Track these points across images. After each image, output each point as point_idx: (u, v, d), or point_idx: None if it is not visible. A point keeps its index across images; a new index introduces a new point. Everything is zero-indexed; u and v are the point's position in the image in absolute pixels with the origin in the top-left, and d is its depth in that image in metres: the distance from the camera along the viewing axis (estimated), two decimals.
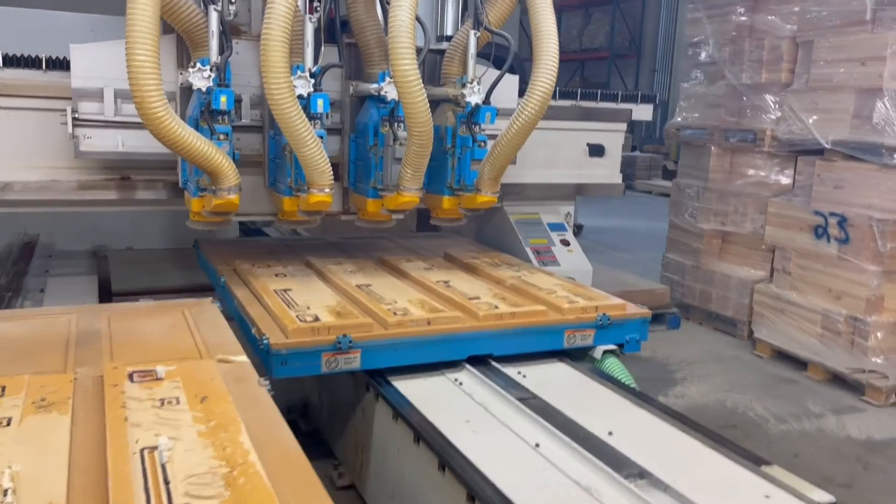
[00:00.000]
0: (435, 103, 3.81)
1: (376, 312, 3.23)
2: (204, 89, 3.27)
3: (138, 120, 3.06)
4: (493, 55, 4.08)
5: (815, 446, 4.49)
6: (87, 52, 3.68)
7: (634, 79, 22.38)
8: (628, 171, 18.12)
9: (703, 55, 6.69)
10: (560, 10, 24.39)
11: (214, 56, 3.30)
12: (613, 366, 3.46)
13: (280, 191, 3.67)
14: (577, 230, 11.22)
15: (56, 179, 3.96)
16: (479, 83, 3.75)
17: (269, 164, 3.82)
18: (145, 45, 2.85)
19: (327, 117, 3.65)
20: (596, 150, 5.30)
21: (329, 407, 3.93)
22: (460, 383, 3.16)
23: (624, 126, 5.37)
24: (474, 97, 3.73)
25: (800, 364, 5.72)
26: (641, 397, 3.09)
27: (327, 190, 3.39)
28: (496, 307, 3.36)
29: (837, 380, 5.43)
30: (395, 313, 3.20)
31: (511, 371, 3.26)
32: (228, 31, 3.37)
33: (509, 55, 3.74)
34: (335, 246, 4.78)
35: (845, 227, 5.45)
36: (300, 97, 3.28)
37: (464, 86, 3.72)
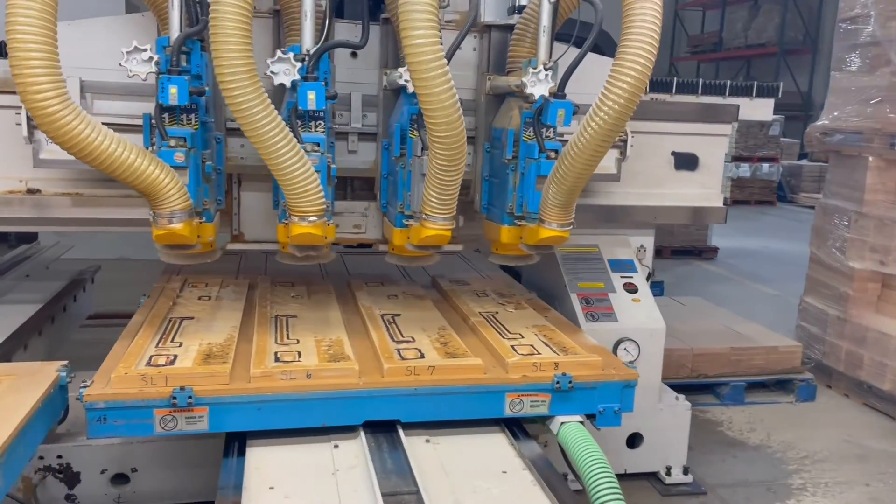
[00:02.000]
0: (499, 98, 3.08)
1: (253, 357, 2.63)
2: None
3: (119, 120, 2.67)
4: (575, 36, 2.92)
5: None
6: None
7: (809, 77, 19.73)
8: (791, 183, 15.78)
9: (863, 34, 4.96)
10: (723, 2, 22.15)
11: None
12: (574, 440, 2.46)
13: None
14: (712, 254, 9.47)
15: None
16: (551, 69, 2.71)
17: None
18: (32, 3, 2.06)
19: (334, 116, 2.90)
20: (685, 161, 3.89)
21: None
22: (336, 464, 2.41)
23: (728, 128, 3.91)
24: (540, 87, 2.70)
25: None
26: None
27: (313, 219, 2.53)
28: (421, 356, 2.68)
29: None
30: (277, 359, 2.59)
31: (417, 445, 2.51)
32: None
33: (595, 24, 2.63)
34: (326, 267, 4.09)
35: None
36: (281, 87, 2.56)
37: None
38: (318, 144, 2.60)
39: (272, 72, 2.47)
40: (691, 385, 4.78)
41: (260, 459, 2.41)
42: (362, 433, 2.54)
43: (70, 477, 3.05)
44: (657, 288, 7.41)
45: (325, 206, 2.54)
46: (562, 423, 2.57)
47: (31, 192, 3.24)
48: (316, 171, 2.55)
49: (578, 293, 3.63)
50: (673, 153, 3.86)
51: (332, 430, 2.55)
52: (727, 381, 4.80)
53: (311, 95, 2.51)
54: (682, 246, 9.23)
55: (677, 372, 4.74)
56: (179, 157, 2.49)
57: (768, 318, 6.20)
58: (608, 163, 3.51)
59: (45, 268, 4.85)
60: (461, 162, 2.48)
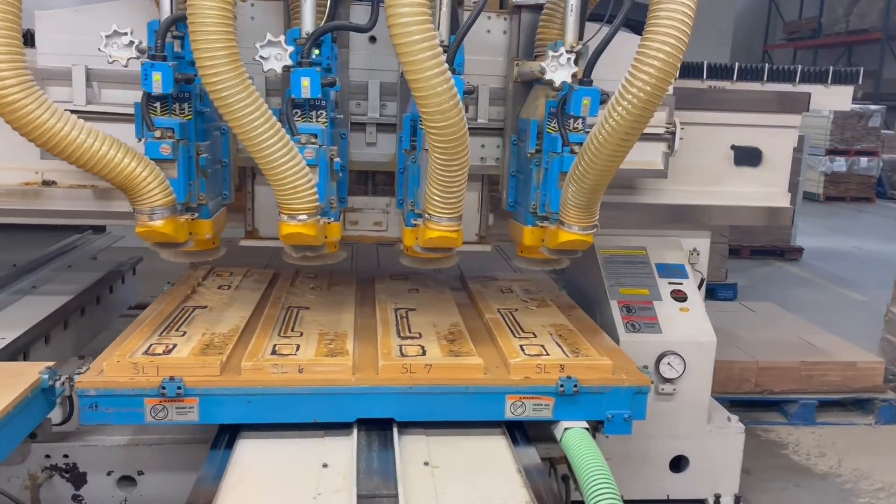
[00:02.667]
0: (528, 86, 2.84)
1: (248, 349, 2.59)
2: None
3: (128, 109, 2.45)
4: (609, 15, 2.64)
5: None
6: (57, 21, 2.89)
7: None
8: (893, 178, 14.66)
9: None
10: None
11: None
12: (576, 447, 2.33)
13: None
14: (796, 254, 8.82)
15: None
16: (578, 53, 2.47)
17: None
18: None
19: (338, 105, 2.63)
20: (747, 156, 3.51)
21: None
22: (322, 462, 2.34)
23: (797, 119, 3.49)
24: (561, 72, 2.44)
25: None
26: None
27: (304, 217, 2.34)
28: (423, 353, 2.59)
29: None
30: (274, 352, 2.56)
31: (410, 447, 2.42)
32: None
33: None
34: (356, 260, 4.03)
35: None
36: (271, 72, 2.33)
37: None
38: (316, 136, 2.40)
39: (261, 56, 2.27)
40: (755, 401, 4.38)
41: (246, 453, 2.39)
42: (356, 431, 2.47)
43: (76, 477, 2.96)
44: (730, 291, 6.93)
45: (317, 205, 2.34)
46: (566, 428, 2.44)
47: (46, 183, 3.18)
48: (312, 164, 2.36)
49: (619, 300, 3.31)
50: (732, 147, 3.50)
51: (326, 426, 2.49)
52: (796, 398, 4.35)
53: (306, 82, 2.30)
54: (762, 245, 8.62)
55: (739, 386, 4.34)
56: (165, 149, 2.34)
57: (853, 328, 5.66)
58: (654, 157, 3.18)
59: (93, 258, 4.84)
60: (463, 156, 2.23)
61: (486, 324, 2.99)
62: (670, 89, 3.10)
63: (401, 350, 2.63)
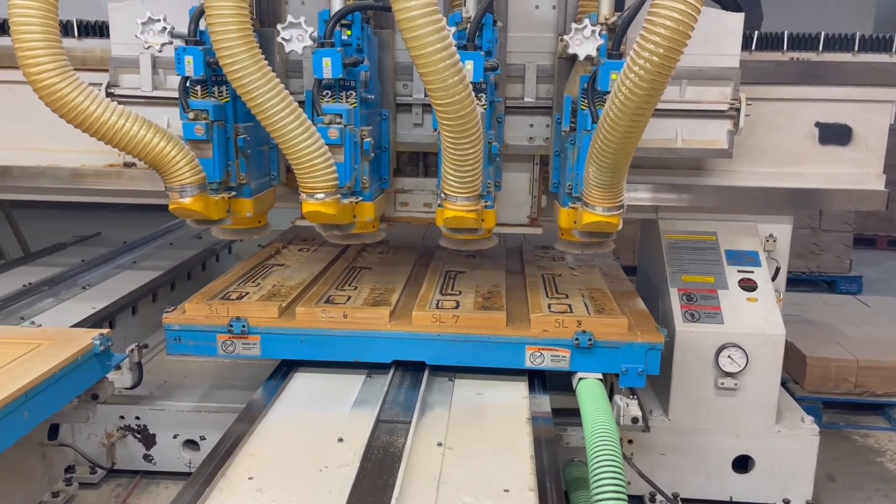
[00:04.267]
0: (572, 62, 2.78)
1: (306, 297, 3.01)
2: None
3: None
4: None
5: None
6: (129, 12, 3.08)
7: None
8: None
9: None
10: None
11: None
12: (585, 394, 2.52)
13: None
14: None
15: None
16: (611, 25, 2.44)
17: None
18: None
19: (365, 85, 2.59)
20: (834, 134, 3.22)
21: None
22: (359, 393, 2.74)
23: (893, 93, 3.15)
24: (587, 46, 2.39)
25: None
26: None
27: (321, 196, 2.39)
28: (456, 306, 2.89)
29: None
30: (328, 301, 2.96)
31: (436, 385, 2.77)
32: None
33: None
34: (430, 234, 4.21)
35: None
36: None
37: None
38: (341, 116, 2.43)
39: (283, 38, 2.33)
40: (854, 403, 4.00)
41: (302, 382, 2.82)
42: (392, 371, 2.81)
43: (147, 438, 3.20)
44: (853, 284, 6.36)
45: (336, 184, 2.37)
46: (580, 378, 2.63)
47: (127, 165, 3.43)
48: (336, 144, 2.40)
49: (680, 287, 3.13)
50: (817, 124, 3.20)
51: (370, 366, 2.85)
52: None
53: (327, 62, 2.34)
54: None
55: (836, 386, 3.98)
56: (199, 129, 2.45)
57: None
58: (718, 136, 2.97)
59: (197, 237, 5.15)
60: (472, 134, 2.18)
61: (525, 285, 3.20)
62: (735, 62, 2.91)
63: (437, 304, 2.92)
